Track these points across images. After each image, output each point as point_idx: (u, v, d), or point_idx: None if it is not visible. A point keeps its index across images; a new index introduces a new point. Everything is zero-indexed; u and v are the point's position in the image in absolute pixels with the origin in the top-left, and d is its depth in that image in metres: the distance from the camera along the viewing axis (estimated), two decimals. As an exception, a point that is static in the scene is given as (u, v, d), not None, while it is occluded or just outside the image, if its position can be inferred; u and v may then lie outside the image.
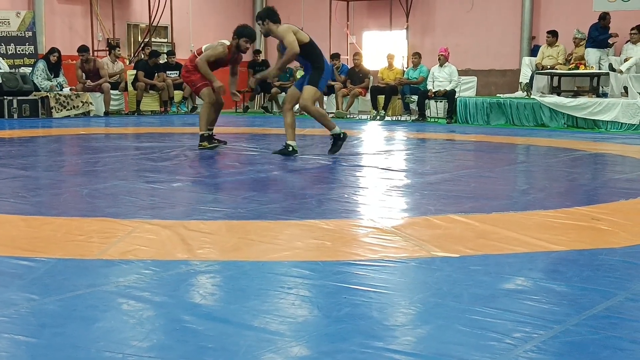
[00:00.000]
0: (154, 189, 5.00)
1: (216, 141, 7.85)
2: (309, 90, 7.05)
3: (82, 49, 13.73)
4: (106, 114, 13.76)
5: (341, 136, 7.16)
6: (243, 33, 7.70)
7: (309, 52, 7.04)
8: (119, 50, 14.73)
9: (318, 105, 8.24)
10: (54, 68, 13.29)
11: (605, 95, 12.33)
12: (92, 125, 11.73)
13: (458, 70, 13.59)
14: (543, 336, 2.17)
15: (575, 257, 3.20)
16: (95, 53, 14.98)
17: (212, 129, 7.92)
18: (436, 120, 13.36)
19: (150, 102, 14.72)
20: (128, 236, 3.44)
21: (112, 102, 14.06)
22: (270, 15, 7.13)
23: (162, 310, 2.43)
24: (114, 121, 12.64)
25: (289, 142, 7.05)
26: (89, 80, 13.77)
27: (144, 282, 2.73)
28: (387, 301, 2.56)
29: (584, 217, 4.07)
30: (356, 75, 14.72)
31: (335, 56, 14.87)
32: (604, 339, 2.16)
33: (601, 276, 2.90)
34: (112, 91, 14.00)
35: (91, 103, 13.51)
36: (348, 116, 14.46)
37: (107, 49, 15.04)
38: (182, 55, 16.31)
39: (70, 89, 13.39)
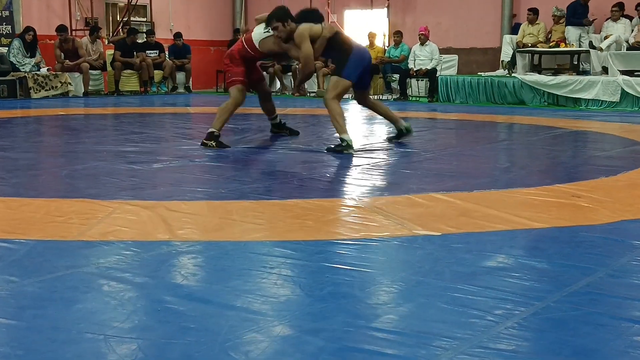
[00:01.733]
0: (135, 169, 4.97)
1: (287, 131, 7.07)
2: (331, 82, 6.18)
3: (61, 29, 13.56)
4: (85, 94, 13.63)
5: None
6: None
7: (331, 48, 6.14)
8: (101, 33, 14.58)
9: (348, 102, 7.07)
10: (30, 47, 13.11)
11: (585, 72, 12.37)
12: (71, 105, 11.62)
13: (439, 49, 13.57)
14: (524, 313, 2.19)
15: (556, 234, 3.21)
16: (74, 32, 14.79)
17: (276, 117, 7.13)
18: (418, 99, 13.36)
19: (130, 82, 14.59)
20: (108, 217, 3.41)
21: (91, 83, 13.93)
22: (289, 14, 6.16)
23: (144, 291, 2.42)
24: (93, 102, 12.53)
25: (342, 136, 5.93)
26: (67, 60, 13.62)
27: (124, 263, 2.71)
28: (370, 280, 2.56)
29: (565, 195, 4.09)
30: (337, 54, 14.64)
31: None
32: (585, 315, 2.18)
33: (581, 253, 2.92)
34: (91, 71, 13.86)
35: (70, 83, 13.37)
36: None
37: (86, 28, 14.87)
38: (162, 35, 16.17)
39: (47, 69, 13.22)
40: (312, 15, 6.21)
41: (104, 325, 2.08)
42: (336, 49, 6.12)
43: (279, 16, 6.10)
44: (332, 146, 6.03)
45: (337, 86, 6.06)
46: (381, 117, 6.89)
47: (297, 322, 2.13)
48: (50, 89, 13.03)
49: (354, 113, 10.57)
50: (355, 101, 6.84)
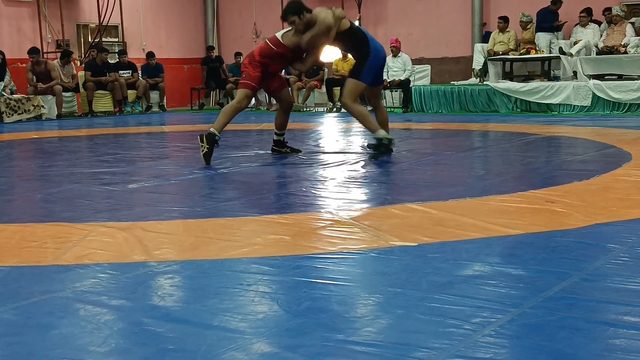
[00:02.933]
0: (110, 191, 4.94)
1: (289, 149, 6.82)
2: (348, 84, 6.16)
3: (33, 51, 13.49)
4: (59, 116, 13.56)
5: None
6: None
7: (348, 39, 6.12)
8: (73, 56, 14.52)
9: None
10: (-1, 71, 13.02)
11: (556, 78, 12.51)
12: (44, 129, 11.54)
13: (412, 59, 13.67)
14: (501, 320, 2.20)
15: (531, 240, 3.24)
16: (45, 55, 14.72)
17: (283, 134, 6.86)
18: (392, 109, 13.41)
19: (103, 103, 14.54)
20: (83, 240, 3.39)
21: (64, 105, 13.85)
22: (304, 6, 6.11)
23: (120, 313, 2.40)
24: (67, 124, 12.46)
25: (377, 136, 5.96)
26: (40, 83, 13.54)
27: (100, 286, 2.70)
28: (347, 293, 2.57)
29: (539, 200, 4.13)
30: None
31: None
32: (561, 320, 2.19)
33: (556, 258, 2.94)
34: (64, 93, 13.79)
35: (43, 106, 13.29)
36: (304, 109, 14.45)
37: (58, 50, 14.80)
38: (135, 54, 16.14)
39: (13, 94, 13.06)
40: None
41: (80, 350, 2.07)
42: (354, 47, 6.15)
43: (294, 10, 6.09)
44: (374, 152, 5.99)
45: (355, 90, 6.12)
46: (359, 125, 6.76)
47: (275, 339, 2.13)
48: (23, 113, 12.94)
49: (329, 125, 10.60)
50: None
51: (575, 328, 2.13)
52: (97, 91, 14.29)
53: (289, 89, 8.12)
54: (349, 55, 14.58)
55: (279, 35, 6.35)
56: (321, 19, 5.98)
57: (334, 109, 13.88)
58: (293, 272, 2.83)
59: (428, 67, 14.55)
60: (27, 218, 4.14)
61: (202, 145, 6.08)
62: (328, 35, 6.02)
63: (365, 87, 6.23)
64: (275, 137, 6.89)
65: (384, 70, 13.33)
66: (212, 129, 6.13)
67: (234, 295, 2.55)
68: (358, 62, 6.14)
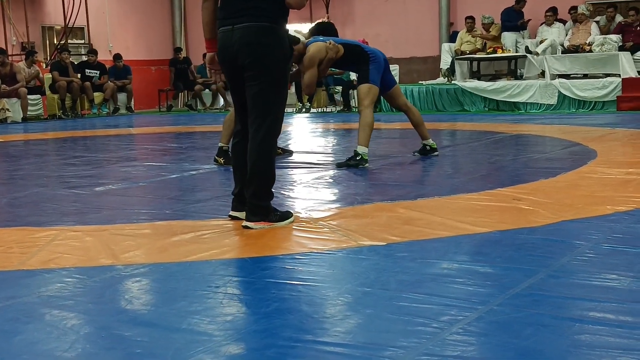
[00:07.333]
0: (77, 194, 4.90)
1: (280, 150, 6.56)
2: (361, 90, 6.08)
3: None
4: (24, 119, 13.38)
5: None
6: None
7: (345, 60, 6.12)
8: (36, 57, 14.34)
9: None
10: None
11: (522, 77, 12.63)
12: (9, 132, 11.38)
13: (380, 60, 13.69)
14: (469, 318, 2.21)
15: (498, 238, 3.26)
16: (10, 58, 14.52)
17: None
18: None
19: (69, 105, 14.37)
20: (50, 244, 3.36)
21: (30, 108, 13.67)
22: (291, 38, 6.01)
23: (87, 318, 2.38)
24: (33, 127, 12.31)
25: (359, 149, 5.84)
26: (4, 85, 13.36)
27: (67, 290, 2.67)
28: (316, 294, 2.57)
29: (506, 198, 4.16)
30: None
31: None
32: (527, 317, 2.21)
33: (523, 255, 2.97)
34: (29, 96, 13.62)
35: (8, 109, 13.11)
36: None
37: (23, 53, 14.61)
38: (102, 56, 15.97)
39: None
40: (328, 29, 6.21)
41: (46, 355, 2.04)
42: (352, 61, 6.10)
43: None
44: (345, 161, 5.90)
45: (370, 93, 6.01)
46: (413, 126, 6.56)
47: (243, 341, 2.12)
48: (-13, 116, 12.76)
49: (299, 126, 10.60)
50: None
51: (541, 324, 2.15)
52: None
53: None
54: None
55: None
56: (309, 56, 5.88)
57: (304, 109, 13.88)
58: (262, 274, 2.83)
59: (396, 67, 14.56)
60: (-8, 223, 4.08)
61: (219, 161, 6.06)
62: (315, 66, 5.90)
63: (378, 90, 6.13)
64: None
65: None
66: (220, 144, 6.11)
67: (202, 297, 2.53)
68: (362, 68, 6.07)
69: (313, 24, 6.17)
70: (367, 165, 5.77)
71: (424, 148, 6.44)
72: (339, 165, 5.84)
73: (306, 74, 5.88)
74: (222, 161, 6.04)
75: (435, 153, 6.41)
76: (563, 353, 1.95)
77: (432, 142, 6.45)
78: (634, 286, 2.49)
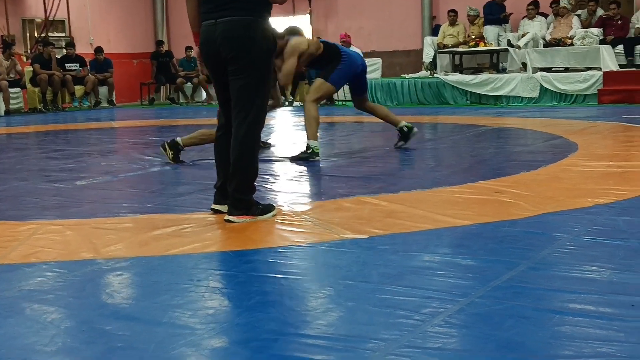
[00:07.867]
0: (58, 188, 4.86)
1: (262, 143, 6.45)
2: (315, 83, 6.11)
3: (-21, 45, 13.21)
4: (7, 112, 13.27)
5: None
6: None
7: (321, 59, 6.05)
8: (14, 49, 14.21)
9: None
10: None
11: (505, 70, 12.67)
12: (-10, 125, 11.29)
13: (363, 53, 13.68)
14: (450, 310, 2.22)
15: (480, 231, 3.28)
16: (-10, 51, 14.40)
17: None
18: (344, 103, 13.44)
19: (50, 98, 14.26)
20: (30, 238, 3.33)
21: (11, 101, 13.56)
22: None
23: (68, 312, 2.37)
24: (14, 120, 12.21)
25: (309, 142, 5.88)
26: (-17, 78, 13.25)
27: (48, 284, 2.65)
28: (298, 287, 2.57)
29: (488, 191, 4.18)
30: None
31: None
32: (508, 309, 2.23)
33: (504, 247, 2.98)
34: (10, 89, 13.50)
35: (-11, 103, 13.01)
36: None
37: (2, 46, 14.48)
38: (82, 49, 15.86)
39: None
40: (296, 32, 6.11)
41: (26, 349, 2.03)
42: (329, 61, 6.04)
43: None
44: (297, 154, 5.90)
45: (320, 90, 6.03)
46: (382, 120, 6.66)
47: (225, 334, 2.12)
48: (-33, 110, 12.64)
49: (280, 119, 10.58)
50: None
51: (522, 316, 2.16)
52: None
53: None
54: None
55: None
56: (291, 46, 5.84)
57: (286, 103, 13.86)
58: (244, 267, 2.82)
59: (379, 60, 14.59)
60: (-28, 217, 4.04)
61: (167, 151, 5.95)
62: (296, 56, 5.84)
63: (333, 91, 6.19)
64: None
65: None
66: (179, 139, 6.00)
67: (184, 291, 2.53)
68: (328, 66, 6.04)
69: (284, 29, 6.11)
70: (318, 158, 5.80)
71: (402, 131, 6.45)
72: (292, 159, 5.85)
73: (286, 62, 5.83)
74: (170, 154, 5.87)
75: (414, 130, 6.46)
76: (544, 344, 1.97)
77: (404, 122, 6.48)
78: (614, 278, 2.51)
